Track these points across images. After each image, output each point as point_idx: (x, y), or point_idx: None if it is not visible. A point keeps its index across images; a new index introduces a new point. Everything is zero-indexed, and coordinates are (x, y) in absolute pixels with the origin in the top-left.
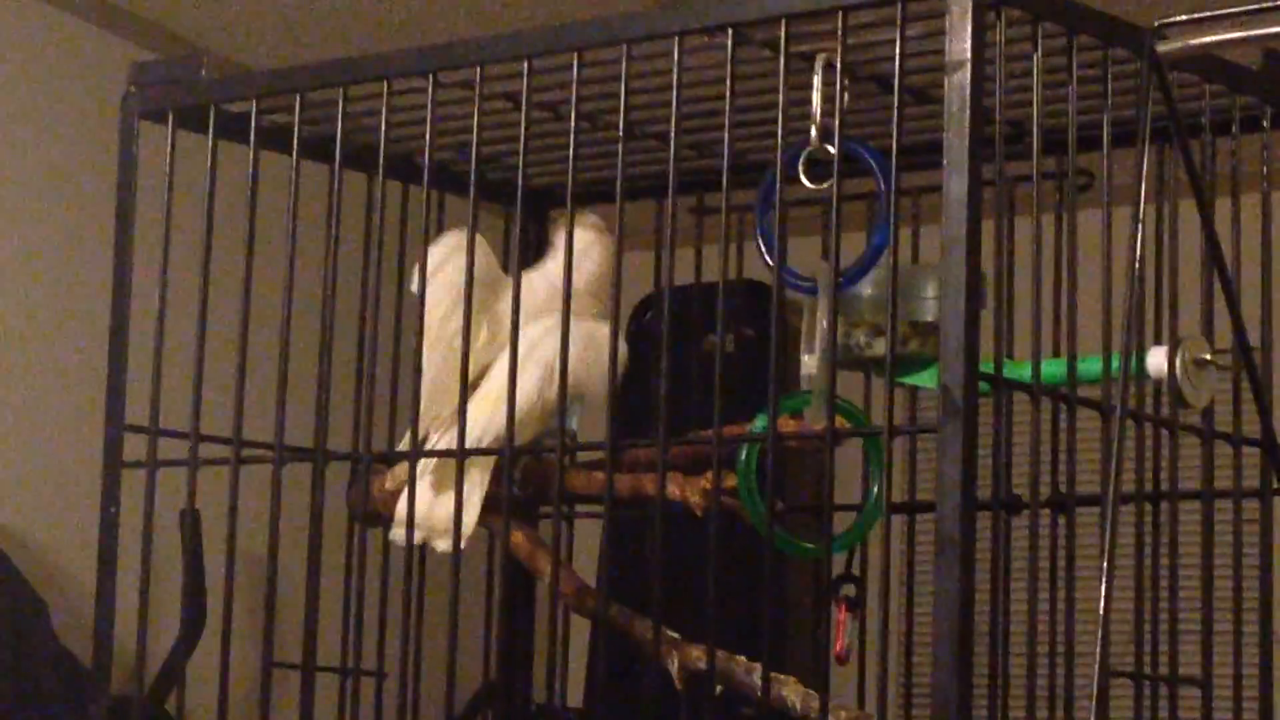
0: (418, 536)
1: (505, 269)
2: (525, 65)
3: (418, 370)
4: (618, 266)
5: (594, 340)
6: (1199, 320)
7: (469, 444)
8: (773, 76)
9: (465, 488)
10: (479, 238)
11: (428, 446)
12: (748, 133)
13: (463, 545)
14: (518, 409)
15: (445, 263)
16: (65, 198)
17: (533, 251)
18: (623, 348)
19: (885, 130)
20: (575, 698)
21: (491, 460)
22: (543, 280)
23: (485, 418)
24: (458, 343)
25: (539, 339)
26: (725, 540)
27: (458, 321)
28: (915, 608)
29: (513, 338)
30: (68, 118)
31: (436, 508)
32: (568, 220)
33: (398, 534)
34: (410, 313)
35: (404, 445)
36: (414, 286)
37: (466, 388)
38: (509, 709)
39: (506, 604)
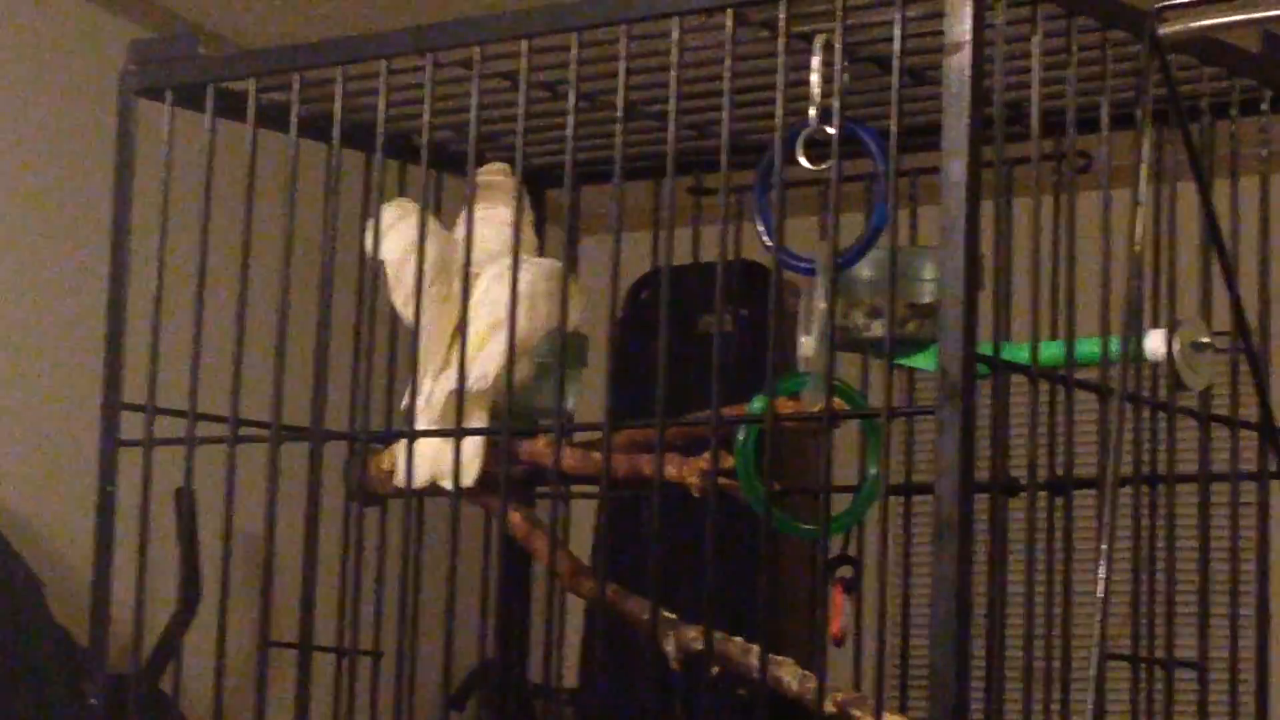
0: (426, 478)
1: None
2: (524, 45)
3: (413, 356)
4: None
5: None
6: (1197, 303)
7: (475, 384)
8: (772, 57)
9: (468, 428)
10: (413, 204)
11: (427, 393)
12: (746, 113)
13: (472, 482)
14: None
15: (393, 228)
16: (62, 176)
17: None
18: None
19: (884, 111)
20: (572, 678)
21: (489, 398)
22: (485, 229)
23: (484, 355)
24: (433, 291)
25: (520, 281)
26: (723, 521)
27: (436, 285)
28: (912, 590)
29: (512, 301)
30: (65, 96)
31: (444, 449)
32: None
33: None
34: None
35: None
36: (379, 252)
37: (464, 346)
38: (505, 689)
39: (503, 584)
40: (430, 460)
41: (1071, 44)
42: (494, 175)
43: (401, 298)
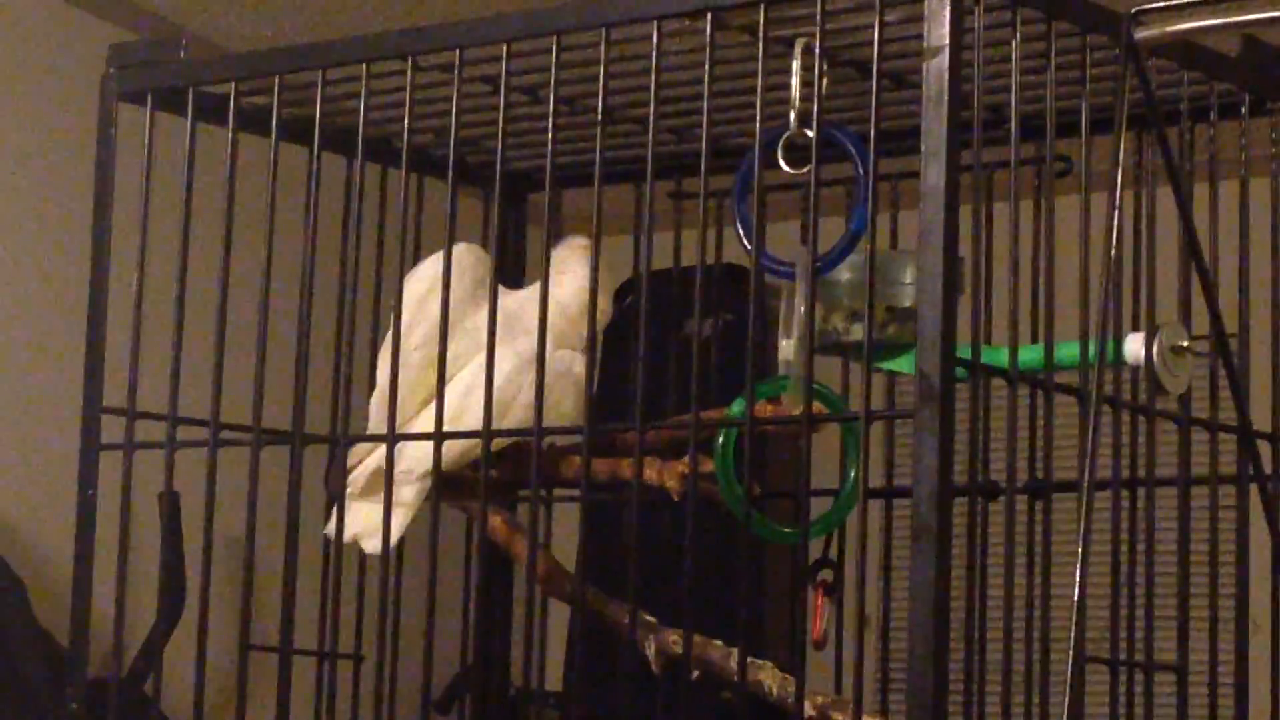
0: (349, 536)
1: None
2: (504, 49)
3: (396, 357)
4: (594, 285)
5: (565, 375)
6: (1176, 307)
7: (417, 463)
8: (752, 61)
9: (396, 499)
10: (479, 250)
11: (376, 464)
12: (727, 117)
13: (373, 549)
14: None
15: (415, 277)
16: (43, 180)
17: (511, 233)
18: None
19: (864, 115)
20: (554, 682)
21: (425, 485)
22: (520, 303)
23: (425, 446)
24: (414, 358)
25: (508, 373)
26: (702, 525)
27: (418, 335)
28: (892, 593)
29: (490, 328)
30: (45, 99)
31: (364, 510)
32: (556, 243)
33: (330, 528)
34: (386, 296)
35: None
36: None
37: (443, 383)
38: (487, 693)
39: (484, 588)
40: (358, 520)
41: (1051, 48)
42: (574, 249)
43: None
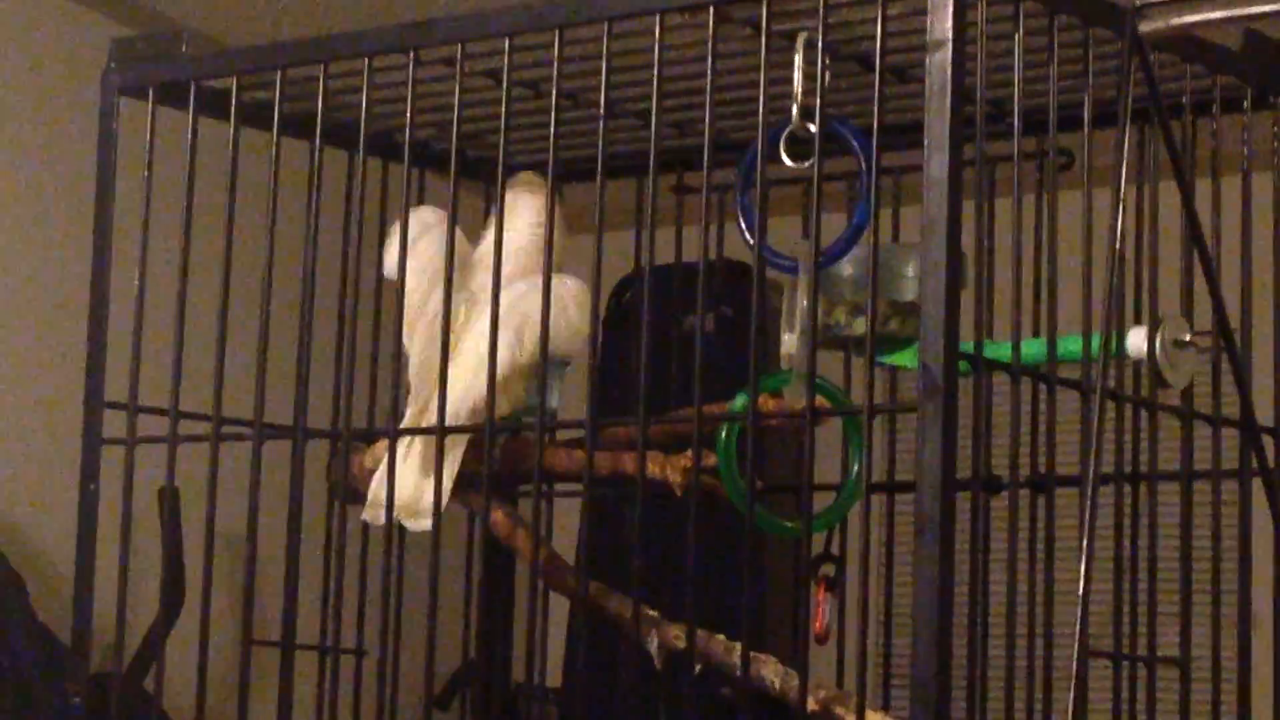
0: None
1: (468, 240)
2: (506, 43)
3: (397, 352)
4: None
5: (561, 300)
6: (1179, 301)
7: (450, 417)
8: (754, 55)
9: (450, 427)
10: (444, 214)
11: (412, 424)
12: (729, 111)
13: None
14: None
15: (417, 242)
16: (45, 175)
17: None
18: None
19: (866, 109)
20: (555, 677)
21: (465, 439)
22: (481, 254)
23: (462, 388)
24: (437, 323)
25: (510, 305)
26: (705, 519)
27: (434, 303)
28: (894, 587)
29: (493, 311)
30: (47, 94)
31: (405, 487)
32: (504, 186)
33: (370, 514)
34: (387, 290)
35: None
36: (387, 265)
37: (447, 362)
38: (488, 688)
39: (486, 583)
40: (403, 500)
41: (1053, 42)
42: (520, 189)
43: (409, 327)
